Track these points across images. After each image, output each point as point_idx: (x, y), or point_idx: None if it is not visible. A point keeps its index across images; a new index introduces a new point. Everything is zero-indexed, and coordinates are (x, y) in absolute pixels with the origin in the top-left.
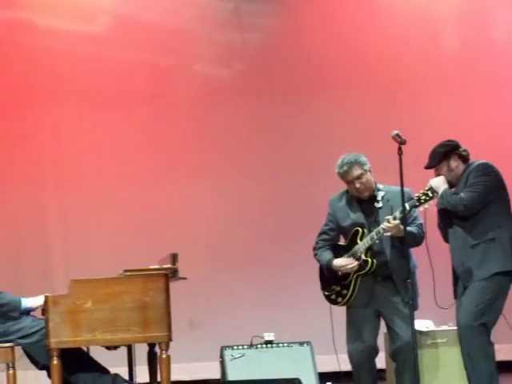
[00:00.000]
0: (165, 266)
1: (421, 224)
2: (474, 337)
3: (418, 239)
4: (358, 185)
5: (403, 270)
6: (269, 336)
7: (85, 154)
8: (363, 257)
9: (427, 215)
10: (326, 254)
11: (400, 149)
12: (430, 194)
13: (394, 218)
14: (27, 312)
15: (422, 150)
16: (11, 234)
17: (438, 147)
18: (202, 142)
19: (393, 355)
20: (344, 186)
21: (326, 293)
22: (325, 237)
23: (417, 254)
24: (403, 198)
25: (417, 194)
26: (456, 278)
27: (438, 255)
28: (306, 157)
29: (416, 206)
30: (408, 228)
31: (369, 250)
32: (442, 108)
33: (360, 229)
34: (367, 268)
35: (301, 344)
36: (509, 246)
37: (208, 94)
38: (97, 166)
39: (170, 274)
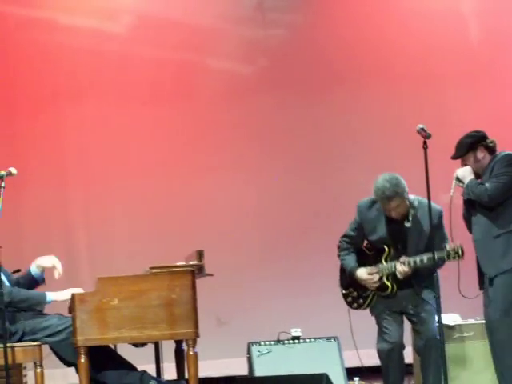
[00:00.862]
0: (191, 263)
1: (443, 249)
2: (503, 331)
3: (436, 266)
4: (393, 214)
5: (424, 278)
6: (296, 332)
7: (109, 150)
8: (385, 280)
9: (452, 206)
10: (351, 260)
11: (425, 143)
12: (460, 254)
13: (409, 264)
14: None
15: (444, 143)
16: (37, 231)
17: (465, 138)
18: (227, 137)
19: (418, 350)
20: (364, 173)
21: (344, 291)
22: (350, 240)
23: None
24: (430, 205)
25: (448, 248)
26: (481, 269)
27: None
28: (329, 151)
29: (444, 260)
30: (422, 261)
31: (390, 274)
32: (464, 101)
33: (387, 248)
34: (387, 292)
35: (328, 339)
36: None
37: (232, 91)
38: (122, 162)
39: (196, 271)
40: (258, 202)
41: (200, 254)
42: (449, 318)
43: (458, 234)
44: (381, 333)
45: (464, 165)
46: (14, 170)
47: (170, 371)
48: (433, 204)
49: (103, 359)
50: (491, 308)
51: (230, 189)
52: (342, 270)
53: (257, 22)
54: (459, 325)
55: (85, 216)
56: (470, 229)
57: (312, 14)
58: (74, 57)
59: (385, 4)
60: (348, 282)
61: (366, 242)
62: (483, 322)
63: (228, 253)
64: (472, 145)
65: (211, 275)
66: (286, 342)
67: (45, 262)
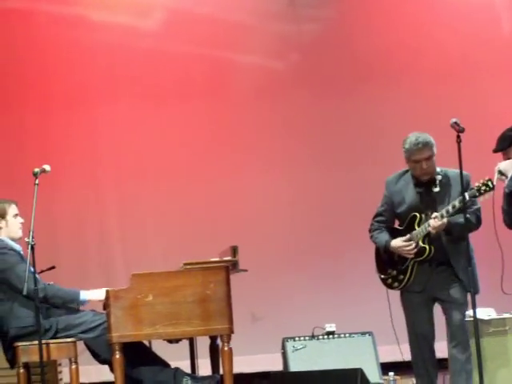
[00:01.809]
0: (225, 259)
1: (478, 209)
2: None
3: (469, 228)
4: (425, 165)
5: (461, 255)
6: (330, 327)
7: (142, 148)
8: (421, 243)
9: (494, 197)
10: (383, 235)
11: (459, 137)
12: (491, 185)
13: (442, 216)
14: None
15: (479, 137)
16: (71, 229)
17: (509, 131)
18: (259, 134)
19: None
20: (397, 170)
21: (382, 276)
22: (380, 218)
23: (481, 236)
24: (463, 187)
25: (477, 184)
26: None
27: (506, 238)
28: (363, 146)
29: (475, 197)
30: (455, 219)
31: (426, 236)
32: (499, 94)
33: (418, 214)
34: (425, 255)
35: (362, 334)
36: None
37: (264, 87)
38: (155, 160)
39: (231, 267)
40: (293, 197)
41: (234, 250)
42: (483, 312)
43: (500, 227)
44: (408, 320)
45: (506, 158)
46: (47, 168)
47: (204, 367)
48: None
49: (137, 356)
50: None
51: (263, 185)
52: (378, 253)
53: (289, 17)
54: (495, 319)
55: (118, 213)
56: (510, 222)
57: (344, 9)
58: (106, 53)
59: None
60: (385, 262)
61: (396, 221)
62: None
63: (262, 248)
64: None
65: (245, 271)
66: (321, 337)
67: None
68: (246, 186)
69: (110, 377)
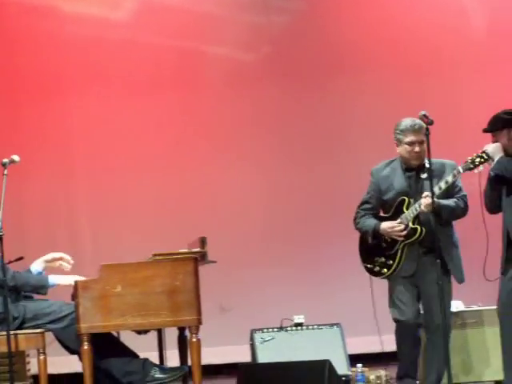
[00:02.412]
0: (194, 250)
1: (464, 196)
2: None
3: (457, 212)
4: (418, 148)
5: (448, 242)
6: (299, 318)
7: (113, 140)
8: (411, 225)
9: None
10: (371, 220)
11: (427, 129)
12: (485, 156)
13: (433, 194)
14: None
15: (447, 130)
16: (41, 220)
17: (503, 113)
18: (230, 126)
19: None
20: (369, 160)
21: (369, 265)
22: (366, 206)
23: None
24: (431, 178)
25: (470, 157)
26: (507, 252)
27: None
28: (332, 138)
29: (470, 169)
30: (445, 201)
31: (416, 217)
32: (467, 87)
33: (406, 198)
34: (416, 235)
35: (330, 326)
36: None
37: (235, 78)
38: (125, 150)
39: (199, 258)
40: (262, 189)
41: (203, 241)
42: (451, 305)
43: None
44: (395, 305)
45: (495, 141)
46: (16, 158)
47: (172, 358)
48: (445, 160)
49: (106, 346)
50: None
51: (233, 176)
52: (362, 242)
53: (259, 9)
54: (463, 311)
55: (89, 205)
56: (491, 206)
57: (315, 1)
58: (78, 44)
59: None
60: (371, 250)
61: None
62: (487, 308)
63: (231, 240)
64: (509, 121)
65: (214, 262)
66: (289, 328)
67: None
68: (216, 177)
69: (79, 368)
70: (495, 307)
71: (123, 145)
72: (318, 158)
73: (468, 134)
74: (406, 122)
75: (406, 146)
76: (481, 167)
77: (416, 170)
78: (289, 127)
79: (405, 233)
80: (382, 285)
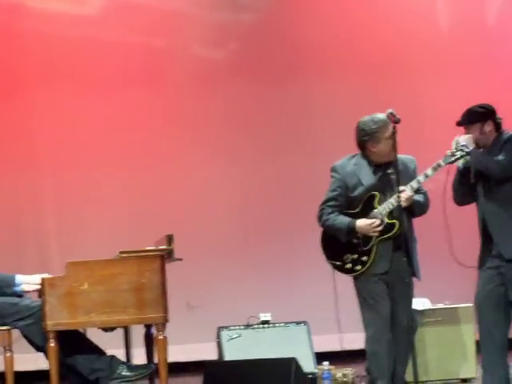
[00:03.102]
0: (160, 247)
1: (426, 192)
2: None
3: (424, 208)
4: (391, 142)
5: (413, 239)
6: (265, 316)
7: (80, 136)
8: (387, 220)
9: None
10: (343, 218)
11: (394, 128)
12: (466, 150)
13: (412, 188)
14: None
15: (413, 129)
16: (8, 217)
17: (477, 107)
18: (197, 123)
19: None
20: (335, 156)
21: (338, 263)
22: (333, 203)
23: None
24: (397, 172)
25: (449, 150)
26: (486, 247)
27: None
28: (301, 136)
29: (451, 162)
30: (417, 196)
31: (390, 213)
32: (435, 87)
33: (377, 193)
34: (394, 230)
35: (297, 324)
36: None
37: (203, 75)
38: (92, 148)
39: (166, 255)
40: (230, 186)
41: (170, 239)
42: (418, 303)
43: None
44: (369, 305)
45: (467, 133)
46: None
47: (139, 356)
48: (405, 155)
49: (73, 344)
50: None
51: (200, 174)
52: (328, 239)
53: (227, 7)
54: (429, 309)
55: (55, 201)
56: (460, 199)
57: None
58: (43, 41)
59: None
60: (340, 247)
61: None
62: (454, 306)
63: (198, 237)
64: (483, 115)
65: (180, 260)
66: (256, 326)
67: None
68: (183, 174)
69: (46, 365)
70: (462, 305)
71: (89, 142)
72: (284, 155)
73: (429, 133)
74: (378, 118)
75: (386, 142)
76: (462, 160)
77: (382, 166)
78: (257, 123)
79: (381, 228)
80: (347, 282)
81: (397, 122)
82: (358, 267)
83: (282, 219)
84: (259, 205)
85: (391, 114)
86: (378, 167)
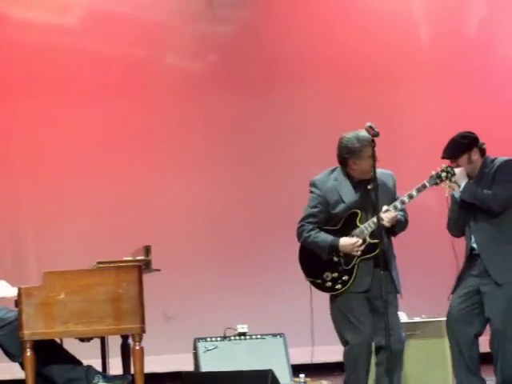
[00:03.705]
0: (138, 258)
1: (405, 209)
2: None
3: (404, 226)
4: (369, 164)
5: (392, 255)
6: (242, 328)
7: (59, 146)
8: (369, 239)
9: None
10: (325, 235)
11: (373, 141)
12: (451, 171)
13: (395, 208)
14: None
15: (391, 142)
16: None
17: (461, 138)
18: (176, 134)
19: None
20: (313, 168)
21: (318, 281)
22: (313, 219)
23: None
24: (376, 190)
25: (435, 172)
26: (467, 268)
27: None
28: (278, 146)
29: (436, 184)
30: (412, 199)
31: (372, 232)
32: (413, 100)
33: (359, 211)
34: (377, 251)
35: (274, 336)
36: None
37: (182, 87)
38: (71, 157)
39: (143, 266)
40: (208, 197)
41: (147, 250)
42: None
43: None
44: (349, 326)
45: (456, 166)
46: None
47: (115, 366)
48: (383, 170)
49: (49, 353)
50: (497, 313)
51: (178, 184)
52: (307, 256)
53: (207, 18)
54: (405, 323)
55: (33, 211)
56: (457, 231)
57: (262, 11)
58: (24, 50)
59: (334, 2)
60: (320, 265)
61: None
62: (430, 320)
63: (175, 249)
64: (468, 146)
65: (158, 270)
66: (233, 338)
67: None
68: (161, 185)
69: (22, 374)
70: (438, 319)
71: (68, 151)
72: (263, 166)
73: (408, 145)
74: (362, 136)
75: (368, 160)
76: (447, 183)
77: (362, 182)
78: (235, 136)
79: (363, 247)
80: (324, 295)
81: (376, 135)
82: (339, 286)
83: (260, 231)
84: (237, 216)
85: (370, 127)
86: (358, 183)
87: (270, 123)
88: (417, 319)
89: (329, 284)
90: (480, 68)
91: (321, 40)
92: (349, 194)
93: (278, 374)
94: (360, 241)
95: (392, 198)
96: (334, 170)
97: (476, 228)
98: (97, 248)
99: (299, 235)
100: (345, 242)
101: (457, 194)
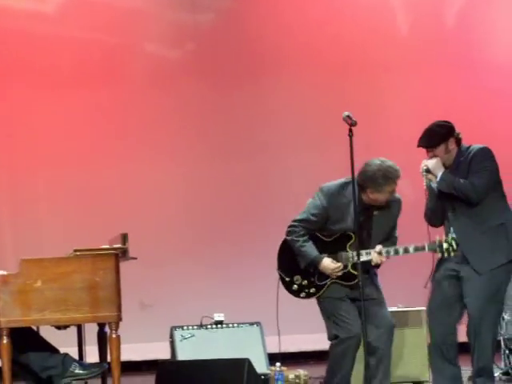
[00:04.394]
0: (115, 246)
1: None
2: (488, 324)
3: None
4: (386, 198)
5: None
6: (219, 316)
7: (35, 134)
8: (350, 269)
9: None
10: (312, 248)
11: (351, 130)
12: (455, 247)
13: (388, 253)
14: None
15: (372, 132)
16: None
17: (438, 128)
18: (152, 122)
19: (376, 340)
20: (291, 161)
21: (287, 279)
22: (308, 225)
23: None
24: (354, 187)
25: (438, 240)
26: (440, 262)
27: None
28: (258, 136)
29: (435, 251)
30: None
31: (355, 263)
32: (392, 88)
33: (353, 235)
34: (352, 282)
35: (250, 324)
36: None
37: (159, 75)
38: (49, 146)
39: (120, 254)
40: (184, 186)
41: (124, 238)
42: None
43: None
44: (338, 322)
45: (432, 155)
46: None
47: (92, 354)
48: (394, 194)
49: (26, 341)
50: (474, 300)
51: (157, 173)
52: (286, 253)
53: (185, 6)
54: None
55: (10, 199)
56: (435, 220)
57: (241, 0)
58: (1, 37)
59: None
60: (295, 267)
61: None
62: (407, 309)
63: (152, 237)
64: (446, 135)
65: (135, 259)
66: (209, 326)
67: None
68: (139, 173)
69: None
70: (414, 308)
71: (45, 138)
72: (240, 156)
73: (387, 133)
74: (391, 166)
75: (387, 194)
76: (424, 173)
77: (371, 207)
78: (211, 125)
79: (341, 273)
80: None
81: (353, 124)
82: (303, 294)
83: (236, 220)
84: (214, 205)
85: (348, 116)
86: (367, 207)
87: (248, 113)
88: (392, 309)
89: (295, 287)
90: (458, 57)
91: (299, 29)
92: (352, 218)
93: (254, 362)
94: (341, 266)
95: (392, 226)
96: (347, 184)
97: (455, 218)
98: (74, 236)
99: (288, 233)
100: (327, 264)
101: (434, 185)
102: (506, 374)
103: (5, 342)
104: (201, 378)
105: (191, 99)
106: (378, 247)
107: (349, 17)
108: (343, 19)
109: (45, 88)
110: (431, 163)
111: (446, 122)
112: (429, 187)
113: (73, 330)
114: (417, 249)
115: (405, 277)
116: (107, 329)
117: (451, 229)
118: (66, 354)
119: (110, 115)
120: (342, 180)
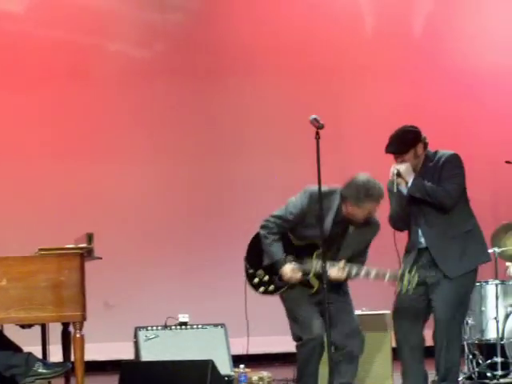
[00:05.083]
0: (80, 246)
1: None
2: (455, 328)
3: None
4: (365, 216)
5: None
6: (183, 317)
7: (4, 131)
8: (312, 277)
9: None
10: (279, 249)
11: (317, 133)
12: (417, 280)
13: (349, 274)
14: None
15: (336, 134)
16: None
17: (406, 133)
18: (122, 121)
19: (341, 343)
20: (264, 161)
21: (250, 271)
22: (283, 224)
23: None
24: (320, 195)
25: (400, 272)
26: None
27: None
28: (223, 137)
29: (394, 280)
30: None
31: (318, 273)
32: (358, 93)
33: (320, 247)
34: (312, 291)
35: (215, 326)
36: (483, 236)
37: (127, 74)
38: (16, 143)
39: (86, 254)
40: (149, 186)
41: (89, 237)
42: None
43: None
44: (300, 323)
45: (401, 161)
46: None
47: (56, 353)
48: (374, 218)
49: None
50: (443, 305)
51: (120, 173)
52: (256, 247)
53: (154, 6)
54: None
55: None
56: (401, 224)
57: (209, 0)
58: None
59: None
60: (261, 262)
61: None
62: (370, 313)
63: (117, 237)
64: (414, 141)
65: (100, 258)
66: (174, 327)
67: None
68: (104, 172)
69: None
70: (379, 312)
71: (11, 136)
72: (209, 157)
73: (353, 137)
74: (375, 186)
75: (365, 212)
76: (394, 178)
77: (347, 222)
78: (181, 125)
79: (299, 280)
80: None
81: (320, 127)
82: (261, 289)
83: (204, 221)
84: (180, 206)
85: (315, 119)
86: (344, 221)
87: (216, 112)
88: (358, 312)
89: (256, 280)
90: (425, 62)
91: (268, 30)
92: (328, 227)
93: (218, 364)
94: (298, 276)
95: (364, 247)
96: (332, 193)
97: (424, 222)
98: (39, 235)
99: (262, 227)
100: (287, 270)
101: (403, 189)
102: (469, 378)
103: None
104: (164, 378)
105: (160, 98)
106: (341, 263)
107: (317, 21)
108: (311, 23)
109: (14, 86)
110: (402, 168)
111: (412, 126)
112: (397, 191)
113: (37, 329)
114: (377, 275)
115: (369, 280)
116: (71, 328)
117: (419, 232)
118: (30, 353)
119: (78, 114)
120: (329, 187)
